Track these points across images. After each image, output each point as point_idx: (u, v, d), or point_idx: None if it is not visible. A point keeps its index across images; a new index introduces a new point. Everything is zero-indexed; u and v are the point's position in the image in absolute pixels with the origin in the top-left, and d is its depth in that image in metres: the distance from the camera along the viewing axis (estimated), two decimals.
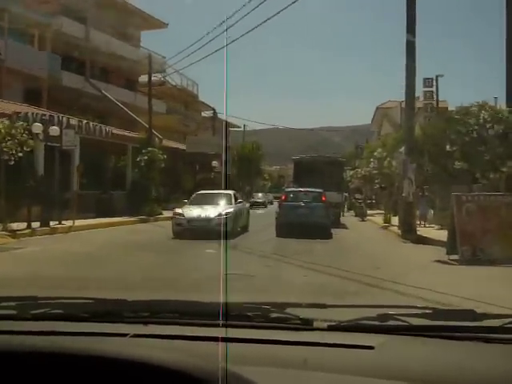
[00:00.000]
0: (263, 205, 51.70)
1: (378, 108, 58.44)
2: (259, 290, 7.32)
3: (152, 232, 18.10)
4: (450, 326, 1.59)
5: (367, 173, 35.00)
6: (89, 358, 1.23)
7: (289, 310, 1.74)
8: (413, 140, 17.12)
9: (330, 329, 1.61)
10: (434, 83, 28.63)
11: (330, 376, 1.25)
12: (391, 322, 1.62)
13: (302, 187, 20.27)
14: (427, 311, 1.74)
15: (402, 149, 19.17)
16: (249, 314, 1.71)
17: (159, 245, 14.62)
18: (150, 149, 24.47)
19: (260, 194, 56.06)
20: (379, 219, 27.76)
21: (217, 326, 1.62)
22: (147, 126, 37.18)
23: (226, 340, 1.46)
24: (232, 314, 1.68)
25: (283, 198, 19.96)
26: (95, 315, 1.74)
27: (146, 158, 24.14)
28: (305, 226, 16.63)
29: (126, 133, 27.25)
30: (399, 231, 18.77)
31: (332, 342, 1.49)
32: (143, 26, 45.75)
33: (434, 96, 28.48)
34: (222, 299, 2.02)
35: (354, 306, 2.33)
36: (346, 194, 34.96)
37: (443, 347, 1.47)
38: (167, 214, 27.92)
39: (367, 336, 1.54)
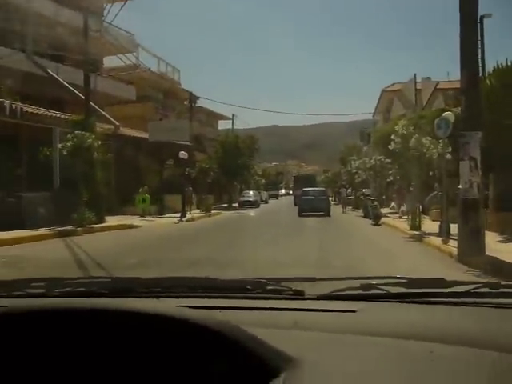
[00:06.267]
0: (254, 204, 44.41)
1: (383, 91, 51.16)
2: None
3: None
4: (423, 292, 1.77)
5: (378, 162, 28.11)
6: (116, 314, 1.22)
7: (283, 284, 1.89)
8: (478, 91, 9.96)
9: (319, 298, 1.77)
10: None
11: (316, 333, 1.39)
12: (372, 291, 1.77)
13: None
14: (403, 280, 1.90)
15: (447, 114, 12.04)
16: (248, 287, 1.89)
17: None
18: (76, 132, 17.15)
19: (251, 192, 48.36)
20: (397, 222, 20.71)
21: (220, 297, 1.80)
22: (109, 116, 30.55)
23: (227, 308, 1.61)
24: (233, 288, 1.94)
25: (301, 193, 31.59)
26: (113, 291, 1.84)
27: (69, 144, 16.85)
28: (314, 210, 28.27)
29: (54, 113, 20.06)
30: (446, 245, 11.70)
31: (320, 308, 1.65)
32: None
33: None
34: (225, 276, 2.43)
35: (340, 278, 2.15)
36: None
37: (416, 310, 1.65)
38: (116, 220, 20.94)
39: (351, 303, 1.69)
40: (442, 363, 1.17)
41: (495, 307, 1.65)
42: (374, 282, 1.87)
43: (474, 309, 1.65)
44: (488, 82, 13.76)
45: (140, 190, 26.58)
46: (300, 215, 28.01)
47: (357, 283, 1.84)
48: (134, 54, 41.26)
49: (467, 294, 1.73)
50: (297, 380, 1.04)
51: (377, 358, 1.22)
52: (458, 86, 11.38)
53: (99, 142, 18.10)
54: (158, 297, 1.79)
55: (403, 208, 23.46)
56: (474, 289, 1.75)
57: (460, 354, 1.22)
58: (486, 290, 1.77)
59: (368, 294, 1.76)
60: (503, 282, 1.86)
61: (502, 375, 1.14)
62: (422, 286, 1.85)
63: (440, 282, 1.85)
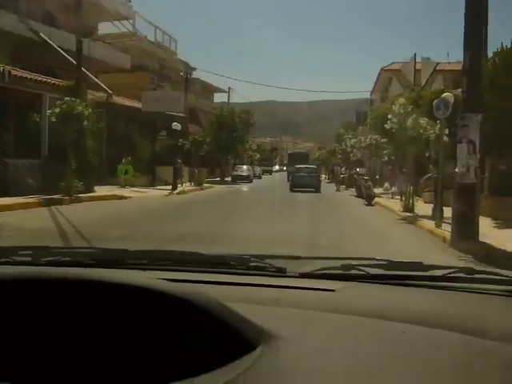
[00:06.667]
0: (247, 179, 44.10)
1: (382, 70, 50.36)
2: None
3: None
4: (401, 275, 1.85)
5: (373, 141, 27.77)
6: (101, 284, 1.20)
7: (266, 261, 1.94)
8: (480, 73, 9.63)
9: (301, 276, 1.84)
10: None
11: (296, 310, 1.43)
12: (352, 271, 1.86)
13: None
14: (383, 262, 1.98)
15: (446, 94, 11.71)
16: (232, 262, 1.95)
17: None
18: (66, 98, 16.69)
19: (244, 167, 47.88)
20: (391, 203, 20.50)
21: (204, 272, 1.86)
22: (102, 84, 29.83)
23: (210, 283, 1.66)
24: (217, 263, 2.01)
25: (294, 170, 33.84)
26: (100, 262, 1.91)
27: (58, 110, 16.38)
28: (305, 187, 30.15)
29: (44, 78, 19.51)
30: (439, 229, 11.48)
31: (300, 286, 1.71)
32: None
33: None
34: (212, 251, 2.21)
35: (323, 257, 2.26)
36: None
37: (393, 292, 1.74)
38: (106, 191, 20.59)
39: (331, 282, 1.76)
40: (413, 344, 1.21)
41: (468, 291, 1.72)
42: (354, 262, 1.94)
43: (447, 292, 1.72)
44: (491, 62, 13.36)
45: (123, 160, 25.53)
46: (292, 191, 29.78)
47: (338, 263, 1.91)
48: (131, 21, 40.42)
49: (443, 278, 1.81)
50: (273, 354, 1.06)
51: (352, 336, 1.26)
52: (457, 68, 11.09)
53: (90, 110, 17.59)
54: (144, 269, 1.86)
55: (394, 188, 23.31)
56: (450, 273, 1.83)
57: (430, 336, 1.27)
58: (461, 274, 1.85)
59: (348, 274, 1.84)
60: (478, 268, 1.91)
61: (467, 357, 1.18)
62: (401, 268, 1.92)
63: (418, 266, 1.91)
